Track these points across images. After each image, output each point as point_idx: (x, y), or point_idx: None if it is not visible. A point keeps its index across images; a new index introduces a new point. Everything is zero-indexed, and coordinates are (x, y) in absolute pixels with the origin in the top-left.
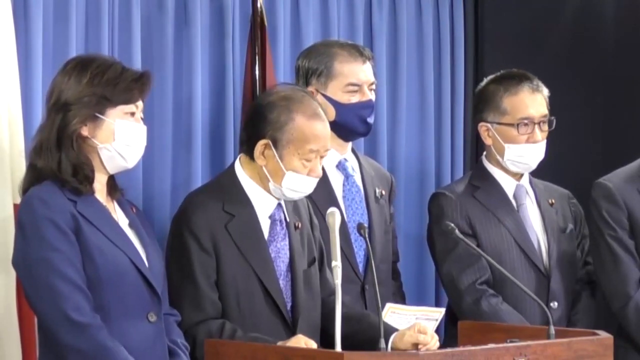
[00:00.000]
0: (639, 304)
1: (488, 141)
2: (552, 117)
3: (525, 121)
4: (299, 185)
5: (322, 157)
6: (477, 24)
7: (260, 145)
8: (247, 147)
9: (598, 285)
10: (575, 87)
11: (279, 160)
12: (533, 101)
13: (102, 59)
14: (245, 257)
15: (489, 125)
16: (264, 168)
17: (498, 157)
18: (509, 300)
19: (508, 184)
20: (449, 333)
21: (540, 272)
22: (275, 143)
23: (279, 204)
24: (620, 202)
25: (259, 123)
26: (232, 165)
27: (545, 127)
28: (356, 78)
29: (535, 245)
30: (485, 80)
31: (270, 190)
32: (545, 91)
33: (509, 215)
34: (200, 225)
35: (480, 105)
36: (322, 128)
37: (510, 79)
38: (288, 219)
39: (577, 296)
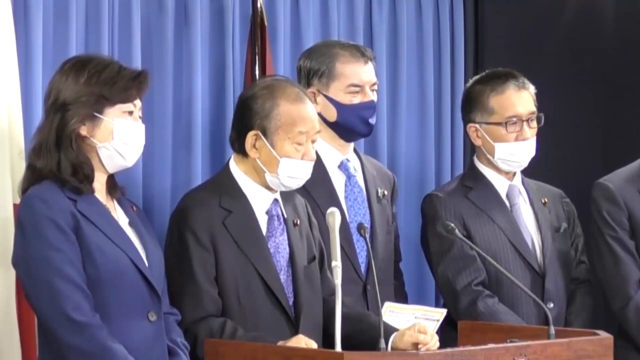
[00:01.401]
0: (639, 305)
1: (477, 142)
2: (541, 114)
3: (514, 119)
4: (295, 170)
5: (313, 140)
6: (477, 24)
7: (250, 137)
8: (238, 144)
9: (598, 286)
10: (575, 87)
11: (271, 149)
12: (520, 99)
13: (99, 59)
14: (244, 253)
15: (477, 126)
16: (257, 160)
17: (489, 156)
18: (505, 301)
19: (500, 184)
20: (444, 334)
21: (535, 272)
22: (265, 132)
23: (276, 200)
24: (620, 202)
25: (245, 116)
26: (227, 163)
27: (534, 124)
28: (358, 79)
29: (529, 245)
30: (470, 81)
31: (268, 181)
32: (532, 88)
33: (502, 215)
34: (197, 222)
35: (467, 106)
36: (308, 109)
37: (496, 78)
38: (285, 215)
39: (571, 295)
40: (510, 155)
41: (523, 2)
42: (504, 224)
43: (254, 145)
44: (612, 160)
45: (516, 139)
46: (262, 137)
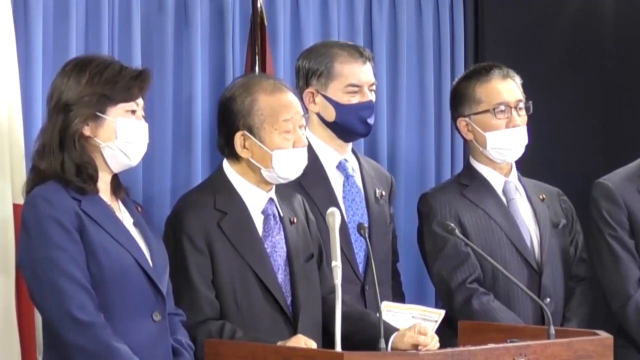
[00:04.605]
0: (639, 304)
1: (469, 136)
2: (529, 102)
3: (502, 107)
4: (290, 160)
5: (300, 126)
6: (477, 24)
7: (238, 138)
8: (227, 149)
9: (598, 285)
10: (575, 86)
11: (261, 145)
12: (505, 86)
13: (100, 59)
14: (240, 254)
15: (466, 119)
16: (251, 159)
17: (482, 149)
18: (501, 297)
19: (496, 181)
20: (442, 333)
21: (532, 268)
22: (251, 130)
23: (271, 199)
24: (620, 201)
25: (228, 119)
26: (221, 165)
27: (523, 113)
28: (356, 79)
29: (527, 240)
30: (456, 80)
31: (266, 177)
32: (517, 78)
33: (499, 211)
34: (193, 225)
35: (455, 102)
36: (287, 97)
37: (480, 70)
38: (282, 214)
39: (571, 292)
40: (502, 143)
41: (523, 2)
42: (501, 219)
43: (244, 146)
44: (612, 159)
45: (506, 126)
46: (250, 135)
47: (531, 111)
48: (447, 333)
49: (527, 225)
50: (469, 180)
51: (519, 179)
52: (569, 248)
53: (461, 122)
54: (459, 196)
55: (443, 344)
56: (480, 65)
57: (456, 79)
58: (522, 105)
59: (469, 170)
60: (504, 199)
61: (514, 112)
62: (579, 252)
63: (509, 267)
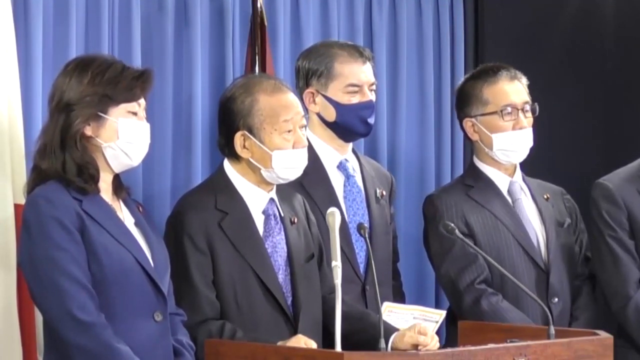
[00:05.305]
0: (639, 304)
1: (475, 137)
2: (535, 104)
3: (509, 108)
4: (289, 161)
5: (300, 126)
6: (477, 24)
7: (238, 138)
8: (228, 149)
9: (598, 285)
10: (575, 86)
11: (261, 145)
12: (513, 88)
13: (102, 59)
14: (241, 254)
15: (473, 120)
16: (251, 159)
17: (487, 150)
18: (510, 297)
19: (501, 181)
20: (449, 334)
21: (540, 268)
22: (251, 130)
23: (272, 199)
24: (620, 202)
25: (228, 119)
26: (222, 164)
27: (529, 114)
28: (356, 79)
29: (534, 240)
30: (462, 80)
31: (265, 177)
32: (524, 80)
33: (506, 211)
34: (193, 225)
35: (461, 102)
36: (288, 97)
37: (487, 71)
38: (282, 214)
39: (577, 291)
40: (508, 144)
41: (523, 2)
42: (507, 219)
43: (244, 146)
44: (612, 159)
45: (513, 128)
46: (250, 135)
47: (537, 113)
48: (454, 333)
49: (533, 225)
50: (474, 181)
51: (523, 179)
52: (574, 247)
53: (467, 123)
54: (464, 197)
55: (449, 344)
56: (487, 65)
57: (463, 79)
58: (528, 107)
59: (474, 171)
60: (509, 199)
61: (520, 114)
62: (584, 250)
63: (517, 267)
